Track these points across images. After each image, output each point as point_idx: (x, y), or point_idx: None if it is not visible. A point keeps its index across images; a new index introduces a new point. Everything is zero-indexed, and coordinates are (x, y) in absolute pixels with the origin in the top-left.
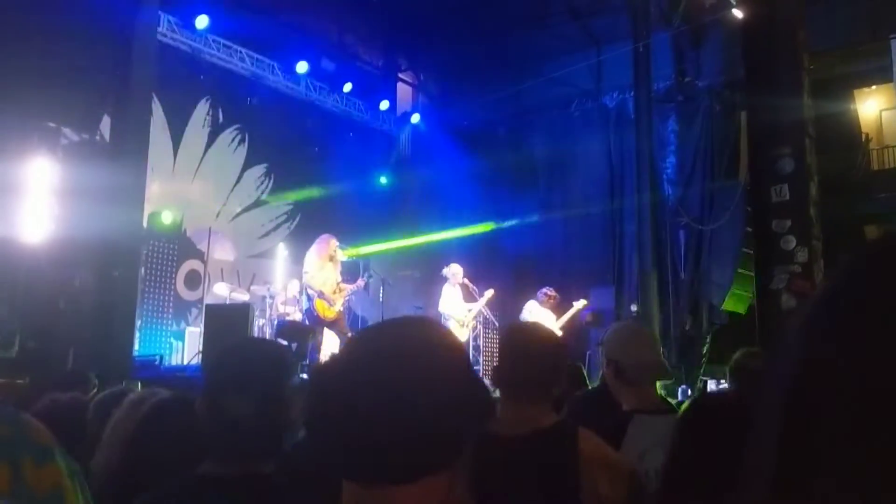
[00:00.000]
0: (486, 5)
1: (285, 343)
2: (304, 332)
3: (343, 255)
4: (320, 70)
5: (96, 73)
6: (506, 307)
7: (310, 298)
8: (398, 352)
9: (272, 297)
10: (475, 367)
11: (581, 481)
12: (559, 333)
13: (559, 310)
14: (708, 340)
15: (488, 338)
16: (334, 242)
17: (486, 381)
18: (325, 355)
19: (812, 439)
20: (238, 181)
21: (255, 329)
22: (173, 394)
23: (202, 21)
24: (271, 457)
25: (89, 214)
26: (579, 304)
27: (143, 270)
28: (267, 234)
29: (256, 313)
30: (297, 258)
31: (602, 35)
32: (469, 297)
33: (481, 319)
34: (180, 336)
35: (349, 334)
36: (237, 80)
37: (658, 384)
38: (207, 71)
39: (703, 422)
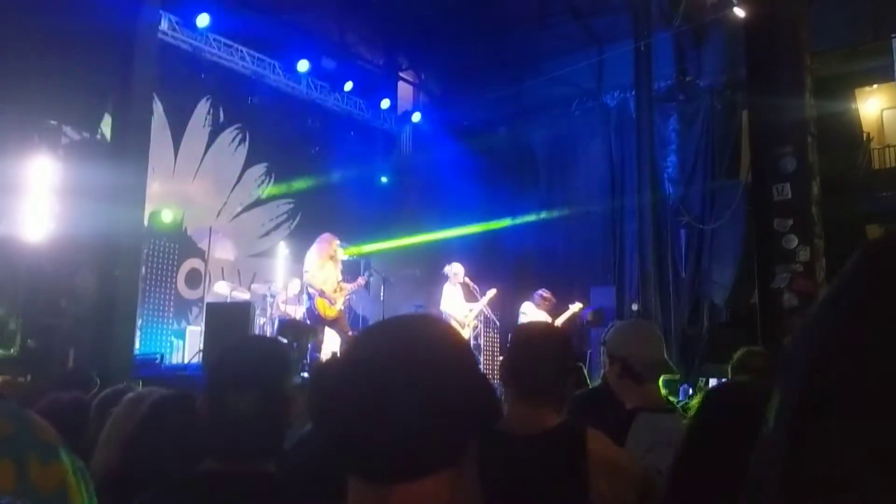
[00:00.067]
0: (487, 4)
1: (286, 341)
2: (305, 330)
3: (344, 253)
4: (321, 69)
5: (97, 71)
6: (506, 306)
7: (310, 297)
8: (402, 349)
9: (273, 296)
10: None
11: (590, 481)
12: None
13: (555, 312)
14: (708, 339)
15: (489, 337)
16: (335, 241)
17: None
18: (325, 354)
19: (817, 440)
20: (239, 180)
21: (256, 328)
22: (172, 392)
23: (203, 20)
24: (272, 455)
25: (90, 213)
26: (575, 306)
27: (143, 269)
28: (268, 232)
29: (257, 312)
30: (298, 257)
31: (603, 34)
32: (470, 296)
33: (482, 319)
34: (181, 335)
35: (350, 333)
36: (238, 78)
37: (660, 384)
38: (208, 70)
39: (720, 415)
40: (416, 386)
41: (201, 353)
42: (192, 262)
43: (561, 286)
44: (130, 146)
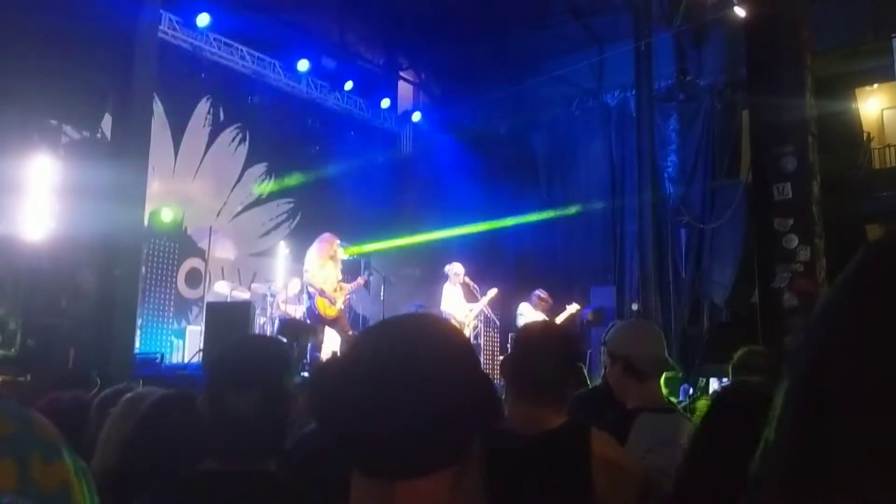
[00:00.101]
0: (487, 4)
1: (286, 341)
2: (305, 330)
3: (344, 253)
4: (321, 68)
5: (98, 70)
6: (506, 306)
7: (311, 297)
8: (403, 348)
9: (273, 296)
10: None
11: (593, 481)
12: None
13: (552, 313)
14: (708, 339)
15: (489, 337)
16: (335, 241)
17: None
18: (325, 354)
19: (818, 440)
20: (239, 179)
21: (256, 327)
22: (172, 391)
23: (203, 19)
24: (273, 454)
25: (90, 213)
26: (572, 307)
27: (143, 269)
28: (268, 232)
29: (257, 312)
30: (298, 256)
31: (603, 34)
32: (470, 296)
33: (482, 318)
34: (181, 334)
35: (350, 333)
36: (238, 78)
37: (661, 383)
38: (208, 69)
39: (730, 416)
40: (416, 385)
41: (201, 353)
42: (192, 262)
43: (561, 286)
44: (130, 146)
